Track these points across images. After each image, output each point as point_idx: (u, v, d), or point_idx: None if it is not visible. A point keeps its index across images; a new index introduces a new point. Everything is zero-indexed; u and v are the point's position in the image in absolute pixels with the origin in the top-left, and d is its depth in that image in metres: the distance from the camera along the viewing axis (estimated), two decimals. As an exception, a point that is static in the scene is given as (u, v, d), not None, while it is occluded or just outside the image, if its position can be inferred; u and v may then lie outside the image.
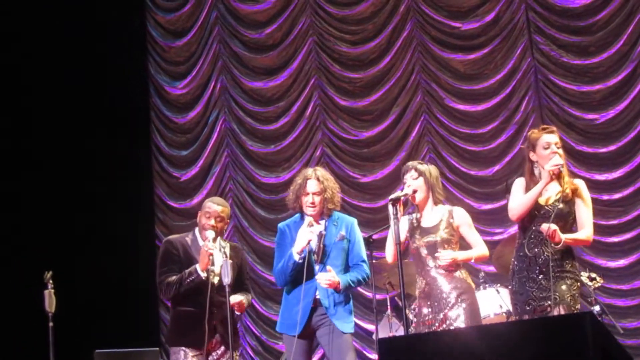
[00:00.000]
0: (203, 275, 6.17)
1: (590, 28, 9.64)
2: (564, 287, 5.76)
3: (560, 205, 5.82)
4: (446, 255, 6.09)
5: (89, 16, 10.78)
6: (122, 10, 11.23)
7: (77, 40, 10.66)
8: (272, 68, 11.21)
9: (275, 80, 11.14)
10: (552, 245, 5.76)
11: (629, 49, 9.44)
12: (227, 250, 6.40)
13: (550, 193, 5.90)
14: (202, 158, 11.39)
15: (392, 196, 5.93)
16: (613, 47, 9.50)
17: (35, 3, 10.46)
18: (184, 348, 6.26)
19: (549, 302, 5.71)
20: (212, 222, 6.30)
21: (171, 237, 6.59)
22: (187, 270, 6.24)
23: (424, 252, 6.20)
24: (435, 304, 6.15)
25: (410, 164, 6.39)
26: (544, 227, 5.75)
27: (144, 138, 11.62)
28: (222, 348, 6.31)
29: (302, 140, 10.92)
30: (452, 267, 6.15)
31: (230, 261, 6.06)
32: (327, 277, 6.04)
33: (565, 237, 5.74)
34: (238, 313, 6.46)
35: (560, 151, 5.92)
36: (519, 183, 6.05)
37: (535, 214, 5.89)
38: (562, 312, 5.67)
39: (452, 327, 6.03)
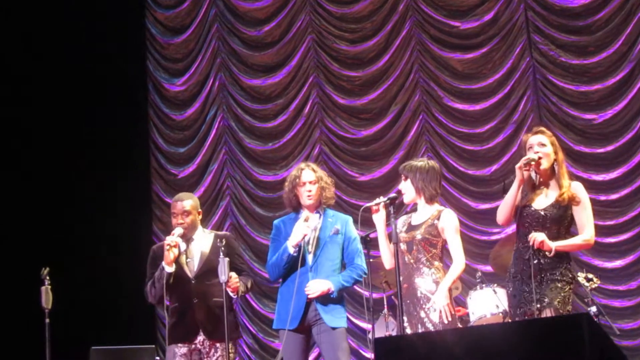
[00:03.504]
0: (169, 269, 6.26)
1: (589, 28, 9.63)
2: (553, 290, 5.72)
3: (554, 211, 5.80)
4: (438, 306, 5.97)
5: (88, 13, 10.76)
6: (121, 7, 11.21)
7: (76, 37, 10.65)
8: (270, 66, 11.19)
9: (274, 77, 11.13)
10: (546, 253, 5.73)
11: (628, 49, 9.42)
12: (210, 241, 6.46)
13: (548, 197, 5.86)
14: (200, 155, 11.38)
15: (385, 198, 6.03)
16: (612, 47, 9.49)
17: (33, 0, 10.45)
18: (175, 345, 6.32)
19: (537, 306, 5.69)
20: (179, 219, 6.42)
21: (158, 244, 6.68)
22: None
23: (402, 246, 6.15)
24: (409, 302, 6.12)
25: (402, 165, 6.38)
26: (530, 237, 5.73)
27: (141, 135, 11.60)
28: (209, 344, 6.32)
29: (300, 138, 10.91)
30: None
31: (227, 259, 6.08)
32: (315, 289, 6.09)
33: (556, 245, 5.69)
34: (232, 294, 6.30)
35: (545, 149, 5.84)
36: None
37: (527, 219, 5.87)
38: (551, 315, 5.66)
39: (426, 328, 6.01)
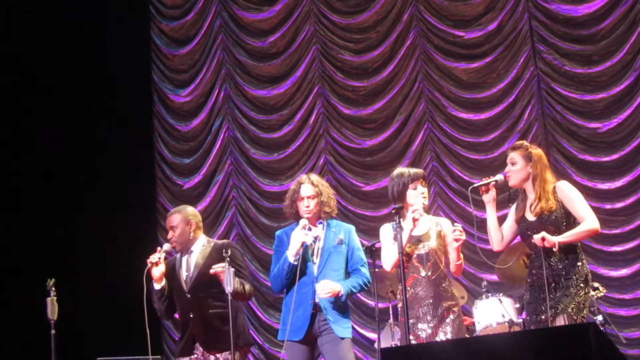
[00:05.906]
0: (157, 286, 6.37)
1: (594, 37, 9.63)
2: (568, 296, 5.74)
3: (544, 218, 5.84)
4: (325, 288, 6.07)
5: (93, 23, 10.78)
6: (126, 18, 11.23)
7: (81, 48, 10.67)
8: (275, 76, 11.21)
9: (279, 88, 11.15)
10: (555, 252, 5.73)
11: (632, 58, 9.42)
12: (207, 251, 6.45)
13: (535, 207, 5.91)
14: (205, 166, 11.39)
15: (414, 208, 6.01)
16: (616, 56, 9.49)
17: (38, 9, 10.47)
18: (183, 358, 6.37)
19: (551, 312, 5.71)
20: (170, 235, 6.49)
21: (169, 258, 6.68)
22: None
23: (415, 260, 6.18)
24: (420, 314, 6.11)
25: (419, 171, 6.36)
26: (533, 241, 5.78)
27: (147, 145, 11.62)
28: (212, 358, 6.31)
29: (305, 148, 10.93)
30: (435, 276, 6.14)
31: (232, 269, 6.06)
32: (326, 289, 6.06)
33: (558, 238, 5.71)
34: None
35: (515, 167, 5.93)
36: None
37: (527, 230, 5.91)
38: (564, 322, 5.66)
39: (438, 339, 6.01)
